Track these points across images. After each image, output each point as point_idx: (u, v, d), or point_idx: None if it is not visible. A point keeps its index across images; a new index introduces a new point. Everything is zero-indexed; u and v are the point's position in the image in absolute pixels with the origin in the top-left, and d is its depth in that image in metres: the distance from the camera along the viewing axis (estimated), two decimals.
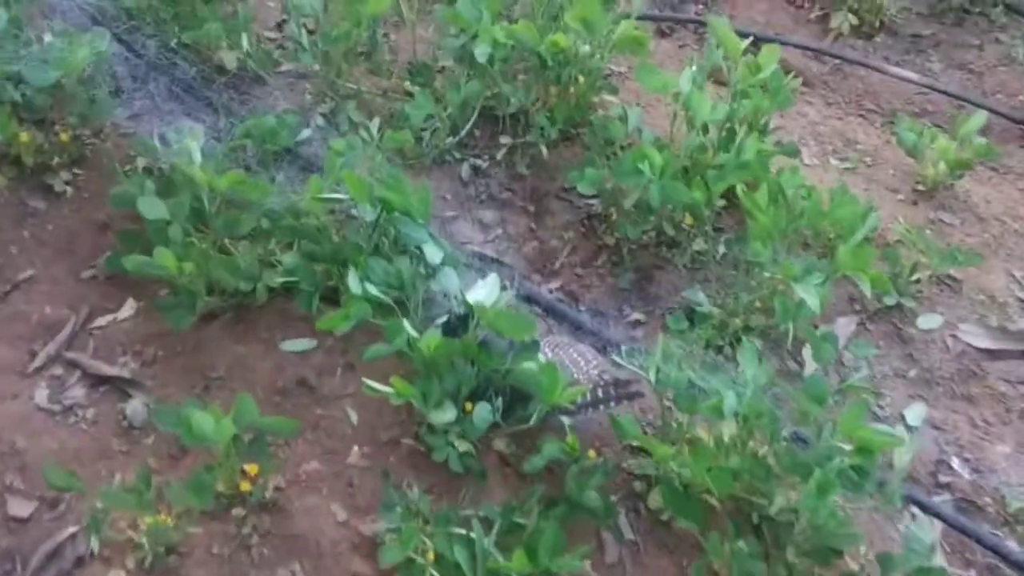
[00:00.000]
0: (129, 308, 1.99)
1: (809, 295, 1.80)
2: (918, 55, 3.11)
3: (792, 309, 1.84)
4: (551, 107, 2.38)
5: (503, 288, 1.73)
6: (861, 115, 2.85)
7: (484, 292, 1.72)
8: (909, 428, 2.00)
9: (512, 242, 2.34)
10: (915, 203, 2.51)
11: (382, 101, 2.50)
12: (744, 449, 1.63)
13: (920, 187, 2.53)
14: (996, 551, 1.80)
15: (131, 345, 1.93)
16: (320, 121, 2.46)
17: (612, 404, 1.76)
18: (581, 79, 2.32)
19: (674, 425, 1.73)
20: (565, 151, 2.48)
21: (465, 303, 1.72)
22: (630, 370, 1.78)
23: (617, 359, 1.84)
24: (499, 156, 2.46)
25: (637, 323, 2.19)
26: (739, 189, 1.95)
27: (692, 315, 2.12)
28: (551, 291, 2.24)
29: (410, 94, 2.45)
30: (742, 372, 1.67)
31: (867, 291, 1.85)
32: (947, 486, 1.95)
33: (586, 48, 2.22)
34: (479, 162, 2.46)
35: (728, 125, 2.17)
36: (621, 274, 2.26)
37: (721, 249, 2.22)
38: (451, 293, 1.84)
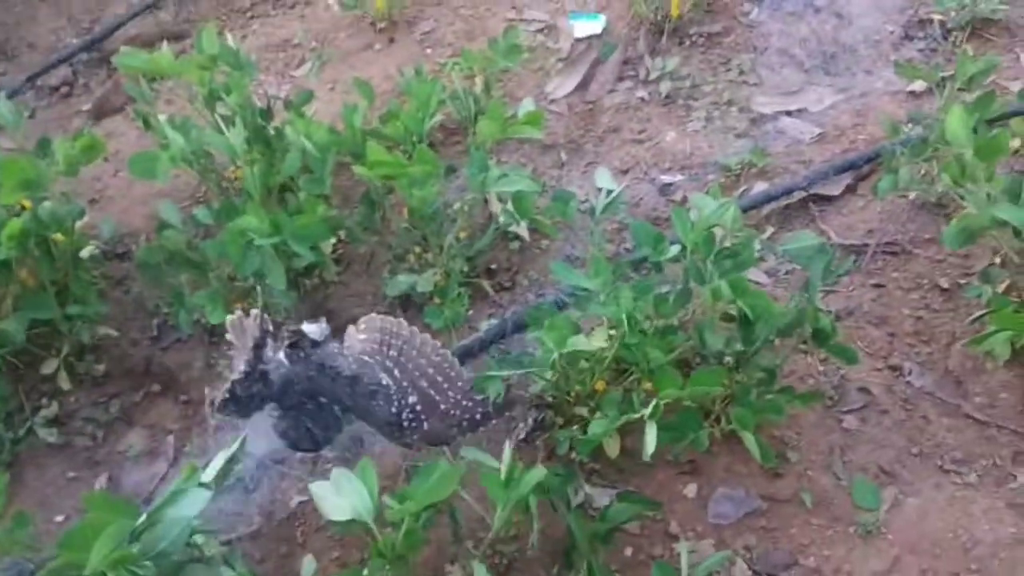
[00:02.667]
0: None
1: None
2: None
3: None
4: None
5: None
6: None
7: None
8: (609, 191, 1.98)
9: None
10: (392, 41, 2.35)
11: None
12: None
13: (382, 25, 2.37)
14: None
15: None
16: None
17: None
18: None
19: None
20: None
21: None
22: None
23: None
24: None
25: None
26: None
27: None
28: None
29: None
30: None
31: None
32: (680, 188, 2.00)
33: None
34: (46, 414, 1.76)
35: None
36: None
37: None
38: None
